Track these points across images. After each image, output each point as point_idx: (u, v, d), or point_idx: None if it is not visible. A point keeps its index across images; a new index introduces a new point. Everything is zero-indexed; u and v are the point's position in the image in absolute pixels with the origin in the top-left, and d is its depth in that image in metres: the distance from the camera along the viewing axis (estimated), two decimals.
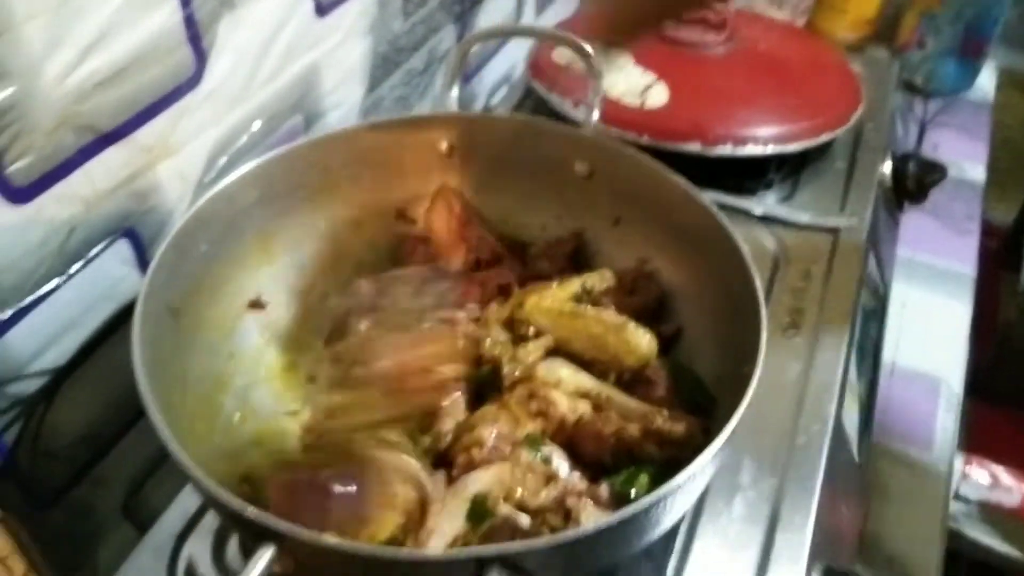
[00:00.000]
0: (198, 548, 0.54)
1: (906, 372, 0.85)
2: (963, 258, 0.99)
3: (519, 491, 0.45)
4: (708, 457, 0.42)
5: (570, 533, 0.38)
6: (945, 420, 0.82)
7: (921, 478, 0.77)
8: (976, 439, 1.08)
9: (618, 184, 0.61)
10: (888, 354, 0.86)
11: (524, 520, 0.44)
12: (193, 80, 0.60)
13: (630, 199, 0.61)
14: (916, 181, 0.87)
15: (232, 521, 0.41)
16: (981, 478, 1.05)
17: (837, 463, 0.61)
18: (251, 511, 0.37)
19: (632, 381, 0.54)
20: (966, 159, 1.13)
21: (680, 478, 0.41)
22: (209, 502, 0.41)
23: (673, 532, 0.54)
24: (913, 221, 1.00)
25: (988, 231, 1.27)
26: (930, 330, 0.90)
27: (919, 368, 0.86)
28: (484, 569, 0.36)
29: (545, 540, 0.38)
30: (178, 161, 0.61)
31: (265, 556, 0.36)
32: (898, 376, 0.85)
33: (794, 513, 0.56)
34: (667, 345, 0.57)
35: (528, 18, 1.09)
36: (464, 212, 0.65)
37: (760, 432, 0.60)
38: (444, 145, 0.65)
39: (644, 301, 0.60)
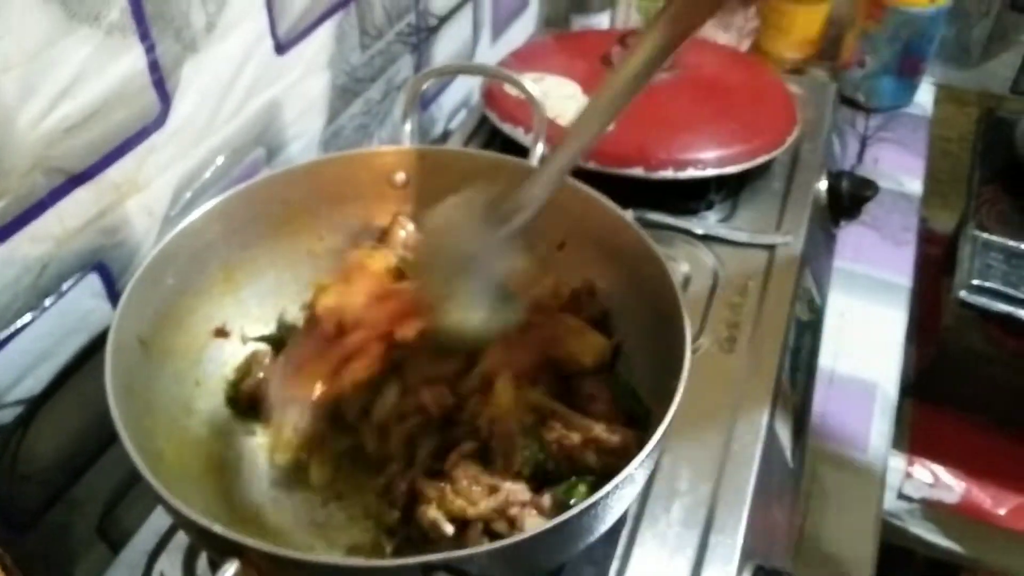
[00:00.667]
0: (169, 565, 0.57)
1: (844, 379, 0.90)
2: (900, 268, 1.04)
3: (458, 501, 0.49)
4: (636, 464, 0.46)
5: (510, 539, 0.42)
6: (880, 423, 0.87)
7: (857, 479, 0.82)
8: (919, 439, 1.14)
9: (562, 211, 0.65)
10: (827, 362, 0.91)
11: (448, 528, 0.49)
12: (159, 121, 0.63)
13: (573, 225, 0.65)
14: (850, 198, 0.92)
15: (199, 537, 0.44)
16: (923, 477, 1.10)
17: (770, 468, 0.65)
18: (216, 528, 0.41)
19: (575, 395, 0.58)
20: (904, 172, 1.19)
21: (611, 485, 0.45)
22: (177, 520, 0.45)
23: (615, 537, 0.58)
24: (852, 233, 1.05)
25: (931, 239, 1.34)
26: (867, 338, 0.95)
27: (856, 375, 0.91)
28: (430, 575, 0.39)
29: (488, 546, 0.42)
30: (145, 197, 0.64)
31: (230, 570, 0.40)
32: (836, 383, 0.90)
33: (727, 516, 0.60)
34: (609, 361, 0.61)
35: (484, 47, 1.14)
36: (418, 237, 0.68)
37: (698, 440, 0.64)
38: (399, 177, 0.69)
39: (589, 316, 0.64)
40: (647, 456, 0.47)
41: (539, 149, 0.66)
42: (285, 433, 0.56)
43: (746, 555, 0.59)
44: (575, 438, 0.54)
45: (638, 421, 0.57)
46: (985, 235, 1.08)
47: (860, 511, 0.80)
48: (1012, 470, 1.08)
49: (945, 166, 1.46)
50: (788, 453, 0.71)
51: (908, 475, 1.10)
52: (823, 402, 0.87)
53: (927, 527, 1.12)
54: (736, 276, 0.78)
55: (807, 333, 0.82)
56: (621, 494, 0.47)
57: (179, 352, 0.59)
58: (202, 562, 0.57)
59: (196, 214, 0.59)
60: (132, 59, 0.59)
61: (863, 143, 1.24)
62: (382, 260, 0.63)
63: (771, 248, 0.81)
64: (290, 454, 0.57)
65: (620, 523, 0.59)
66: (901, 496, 1.11)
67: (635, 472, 0.46)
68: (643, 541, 0.59)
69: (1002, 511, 1.07)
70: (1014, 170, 1.15)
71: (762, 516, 0.63)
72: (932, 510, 1.11)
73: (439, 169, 0.68)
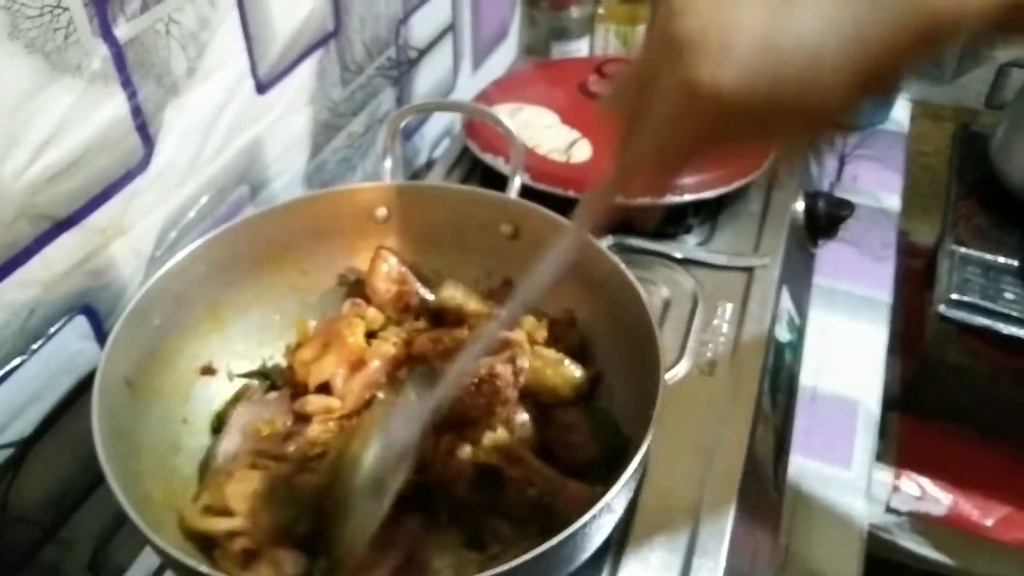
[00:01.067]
0: None
1: (826, 396, 0.91)
2: (880, 284, 1.06)
3: None
4: (615, 492, 0.47)
5: (491, 571, 0.43)
6: (864, 439, 0.89)
7: (841, 496, 0.83)
8: (906, 453, 1.15)
9: (540, 242, 0.66)
10: (809, 380, 0.92)
11: None
12: (142, 164, 0.64)
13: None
14: (827, 218, 0.94)
15: None
16: (911, 490, 1.12)
17: (751, 489, 0.66)
18: (203, 568, 0.42)
19: (554, 425, 0.59)
20: (882, 189, 1.21)
21: (588, 515, 0.46)
22: (166, 561, 0.46)
23: (599, 563, 0.59)
24: (832, 250, 1.07)
25: (913, 252, 1.35)
26: (849, 355, 0.96)
27: (838, 392, 0.92)
28: None
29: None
30: (131, 239, 0.65)
31: None
32: (819, 400, 0.91)
33: (709, 539, 0.61)
34: (588, 391, 0.63)
35: (465, 76, 1.16)
36: (400, 270, 0.70)
37: (680, 464, 0.65)
38: (381, 212, 0.70)
39: (568, 346, 0.65)
40: (625, 484, 0.48)
41: (516, 180, 0.68)
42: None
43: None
44: (533, 492, 0.55)
45: (617, 451, 0.58)
46: (963, 249, 1.09)
47: (845, 528, 0.81)
48: (998, 481, 1.09)
49: (924, 180, 1.49)
50: (770, 473, 0.72)
51: (896, 488, 1.12)
52: (806, 420, 0.88)
53: (916, 540, 1.13)
54: (716, 299, 0.79)
55: (787, 353, 0.83)
56: (600, 523, 0.48)
57: (166, 391, 0.60)
58: None
59: (181, 255, 0.61)
60: (115, 106, 0.60)
61: (841, 161, 1.25)
62: (359, 328, 0.65)
63: (750, 270, 0.83)
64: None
65: (604, 548, 0.60)
66: (889, 510, 1.12)
67: (613, 501, 0.47)
68: (627, 565, 0.60)
69: (989, 522, 1.08)
70: (990, 184, 1.17)
71: (744, 537, 0.64)
72: (920, 523, 1.12)
73: (419, 203, 0.70)
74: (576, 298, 0.66)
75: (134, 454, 0.54)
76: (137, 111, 0.62)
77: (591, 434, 0.58)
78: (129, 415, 0.55)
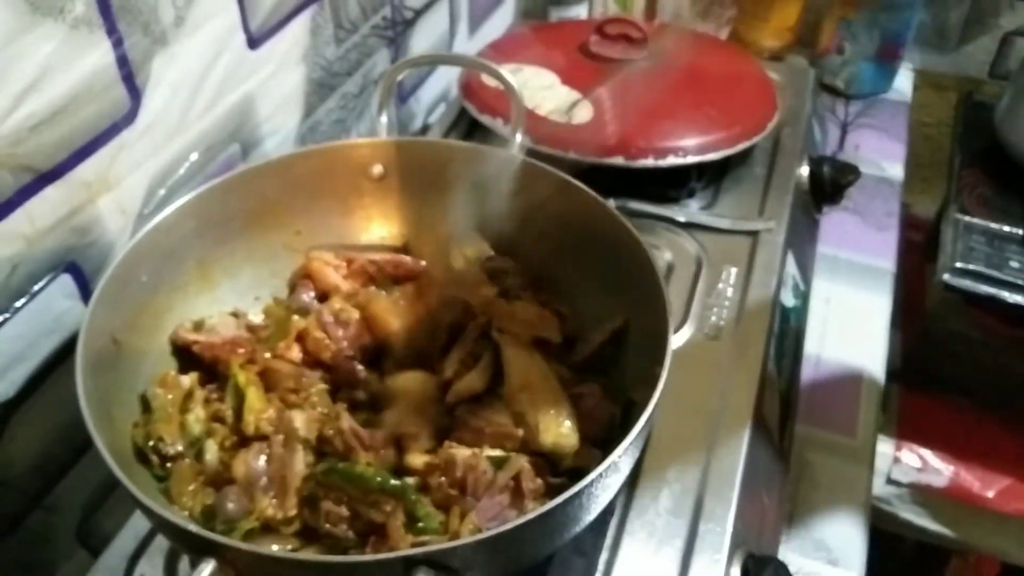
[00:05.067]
0: (150, 568, 0.56)
1: (830, 364, 0.90)
2: (883, 253, 1.04)
3: None
4: (620, 451, 0.45)
5: (495, 530, 0.41)
6: (867, 408, 0.87)
7: (846, 464, 0.82)
8: (906, 424, 1.14)
9: (542, 202, 0.64)
10: (813, 347, 0.90)
11: None
12: (129, 116, 0.62)
13: (553, 215, 0.64)
14: (832, 183, 0.92)
15: (175, 538, 0.43)
16: (911, 461, 1.10)
17: (757, 455, 0.65)
18: (191, 527, 0.40)
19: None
20: (885, 158, 1.19)
21: (595, 473, 0.44)
22: (153, 522, 0.44)
23: (603, 527, 0.58)
24: (835, 219, 1.05)
25: (913, 224, 1.34)
26: (852, 323, 0.95)
27: (842, 359, 0.91)
28: (411, 570, 0.39)
29: (472, 538, 0.41)
30: (117, 195, 0.63)
31: (206, 570, 0.39)
32: (823, 368, 0.90)
33: (716, 504, 0.60)
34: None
35: (461, 39, 1.13)
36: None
37: (685, 429, 0.64)
38: (376, 170, 0.68)
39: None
40: (632, 443, 0.46)
41: (517, 139, 0.66)
42: None
43: (736, 543, 0.58)
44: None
45: (626, 415, 0.56)
46: (967, 218, 1.07)
47: (850, 496, 0.80)
48: (999, 452, 1.08)
49: (925, 151, 1.47)
50: (775, 439, 0.71)
51: (896, 460, 1.10)
52: (810, 388, 0.86)
53: (916, 511, 1.12)
54: (719, 263, 0.78)
55: (792, 319, 0.81)
56: (606, 482, 0.47)
57: (155, 351, 0.58)
58: (184, 564, 0.56)
59: (169, 210, 0.58)
60: (99, 54, 0.58)
61: (843, 130, 1.24)
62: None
63: (754, 234, 0.81)
64: None
65: (608, 513, 0.58)
66: (890, 481, 1.10)
67: (619, 460, 0.46)
68: (632, 531, 0.58)
69: (990, 493, 1.07)
70: (995, 153, 1.15)
71: (751, 503, 0.62)
72: (921, 494, 1.10)
73: (417, 161, 0.68)
74: (578, 258, 0.64)
75: (122, 415, 0.52)
76: (123, 60, 0.60)
77: (604, 398, 0.56)
78: (116, 374, 0.53)
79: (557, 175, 0.63)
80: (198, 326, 0.60)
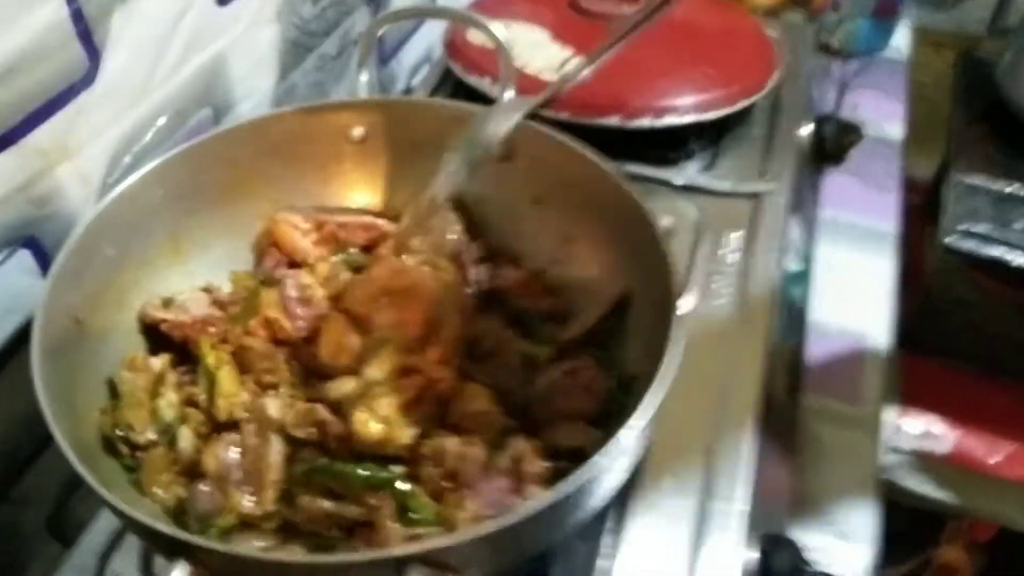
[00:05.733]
0: (124, 564, 0.52)
1: (833, 330, 0.87)
2: (885, 215, 1.01)
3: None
4: (636, 431, 0.42)
5: (494, 524, 0.38)
6: (872, 375, 0.85)
7: (851, 433, 0.79)
8: (908, 390, 1.11)
9: (536, 164, 0.60)
10: (815, 314, 0.87)
11: None
12: (87, 78, 0.58)
13: (549, 178, 0.60)
14: (834, 143, 0.88)
15: (146, 538, 0.39)
16: (913, 428, 1.08)
17: (767, 427, 0.62)
18: (160, 526, 0.36)
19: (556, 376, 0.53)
20: (884, 118, 1.15)
21: (604, 459, 0.41)
22: (121, 520, 0.40)
23: (604, 509, 0.54)
24: (835, 182, 1.02)
25: (911, 187, 1.30)
26: (855, 288, 0.92)
27: (845, 326, 0.88)
28: (405, 569, 0.35)
29: (471, 533, 0.37)
30: (78, 163, 0.59)
31: (177, 572, 0.35)
32: (825, 335, 0.86)
33: (726, 481, 0.56)
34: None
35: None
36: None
37: (689, 403, 0.60)
38: (357, 132, 0.63)
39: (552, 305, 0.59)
40: (648, 422, 0.42)
41: (507, 97, 0.61)
42: None
43: (751, 523, 0.55)
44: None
45: (626, 390, 0.53)
46: (969, 179, 1.04)
47: (857, 467, 0.77)
48: (1003, 418, 1.05)
49: (922, 112, 1.43)
50: (783, 410, 0.68)
51: (898, 427, 1.08)
52: (812, 356, 0.83)
53: (918, 479, 1.09)
54: (720, 228, 0.74)
55: (798, 284, 0.78)
56: (617, 464, 0.43)
57: (121, 331, 0.53)
58: (161, 560, 0.52)
59: (134, 177, 0.54)
60: (51, 8, 0.53)
61: (841, 90, 1.19)
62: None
63: (756, 197, 0.77)
64: None
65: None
66: (891, 449, 1.08)
67: (629, 440, 0.42)
68: (635, 512, 0.55)
69: (994, 459, 1.04)
70: (996, 111, 1.11)
71: (761, 479, 0.59)
72: (923, 461, 1.08)
73: (401, 123, 0.63)
74: (578, 223, 0.60)
75: (87, 402, 0.48)
76: (78, 15, 0.55)
77: (599, 372, 0.53)
78: (79, 357, 0.49)
79: (552, 135, 0.58)
80: (167, 303, 0.56)
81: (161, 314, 0.54)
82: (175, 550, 0.36)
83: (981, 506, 1.09)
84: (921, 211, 1.24)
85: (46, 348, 0.44)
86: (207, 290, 0.58)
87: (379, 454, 0.46)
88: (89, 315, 0.50)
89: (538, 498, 0.39)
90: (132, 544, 0.53)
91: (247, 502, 0.47)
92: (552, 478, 0.47)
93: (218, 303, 0.57)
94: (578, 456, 0.50)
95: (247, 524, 0.47)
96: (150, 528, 0.37)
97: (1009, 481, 1.05)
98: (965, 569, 1.28)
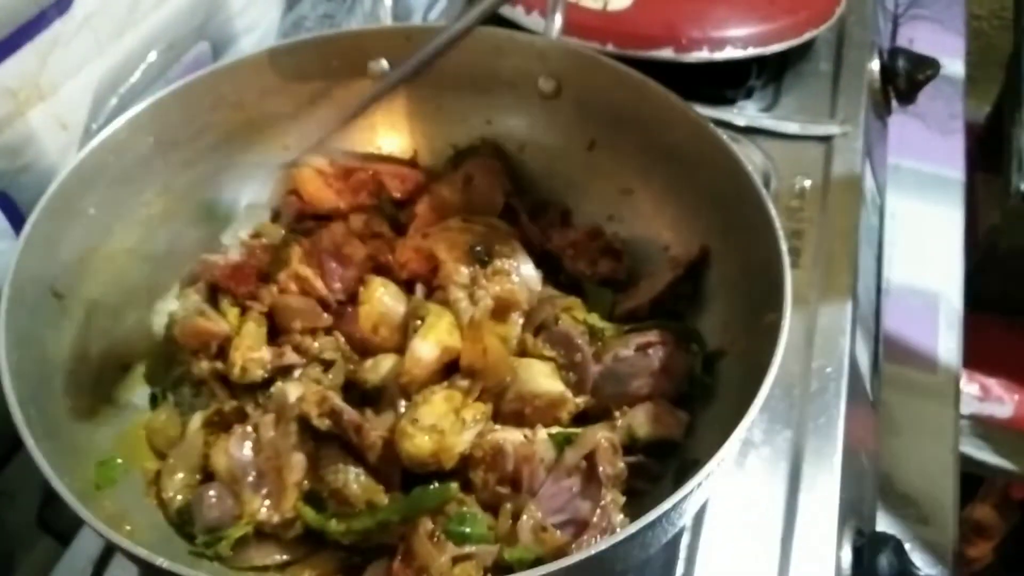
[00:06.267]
0: (123, 573, 0.45)
1: (902, 290, 0.79)
2: (950, 160, 0.92)
3: None
4: (742, 432, 0.34)
5: (575, 556, 0.30)
6: (947, 338, 0.77)
7: (928, 403, 0.72)
8: (966, 350, 1.04)
9: (591, 101, 0.52)
10: (885, 271, 0.79)
11: None
12: (61, 4, 0.49)
13: (606, 118, 0.52)
14: (907, 79, 0.79)
15: (139, 567, 0.32)
16: (972, 391, 1.01)
17: (854, 406, 0.54)
18: (142, 553, 0.28)
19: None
20: (943, 53, 1.04)
21: (703, 474, 0.33)
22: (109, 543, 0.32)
23: None
24: (896, 123, 0.92)
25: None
26: (923, 241, 0.83)
27: (915, 284, 0.79)
28: None
29: (549, 567, 0.30)
30: (54, 105, 0.51)
31: None
32: (894, 295, 0.78)
33: (817, 470, 0.49)
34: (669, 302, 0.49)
35: None
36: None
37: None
38: (380, 65, 0.54)
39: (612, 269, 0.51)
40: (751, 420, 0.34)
41: (557, 19, 0.52)
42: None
43: (844, 517, 0.47)
44: None
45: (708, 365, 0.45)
46: None
47: (935, 441, 0.69)
48: None
49: (974, 47, 1.33)
50: (868, 385, 0.60)
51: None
52: (886, 319, 0.75)
53: (976, 444, 1.03)
54: (790, 175, 0.66)
55: (873, 239, 0.70)
56: (715, 473, 0.35)
57: (111, 305, 0.45)
58: None
59: (119, 122, 0.46)
60: None
61: (894, 22, 1.10)
62: None
63: (827, 140, 0.68)
64: None
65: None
66: None
67: (735, 448, 0.34)
68: (715, 502, 0.47)
69: None
70: None
71: (852, 468, 0.52)
72: (981, 426, 1.01)
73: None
74: (641, 173, 0.52)
75: (66, 391, 0.40)
76: None
77: (678, 348, 0.45)
78: (59, 335, 0.41)
79: (609, 63, 0.50)
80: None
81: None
82: None
83: None
84: (972, 157, 1.15)
85: (17, 328, 0.36)
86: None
87: (426, 470, 0.38)
88: (71, 286, 0.42)
89: (625, 524, 0.31)
90: None
91: (264, 508, 0.39)
92: (631, 476, 0.39)
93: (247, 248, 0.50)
94: (659, 449, 0.42)
95: (263, 534, 0.39)
96: (131, 554, 0.29)
97: None
98: (997, 528, 1.22)
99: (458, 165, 0.53)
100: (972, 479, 1.11)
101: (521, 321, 0.44)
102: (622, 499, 0.38)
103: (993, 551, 1.22)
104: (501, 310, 0.43)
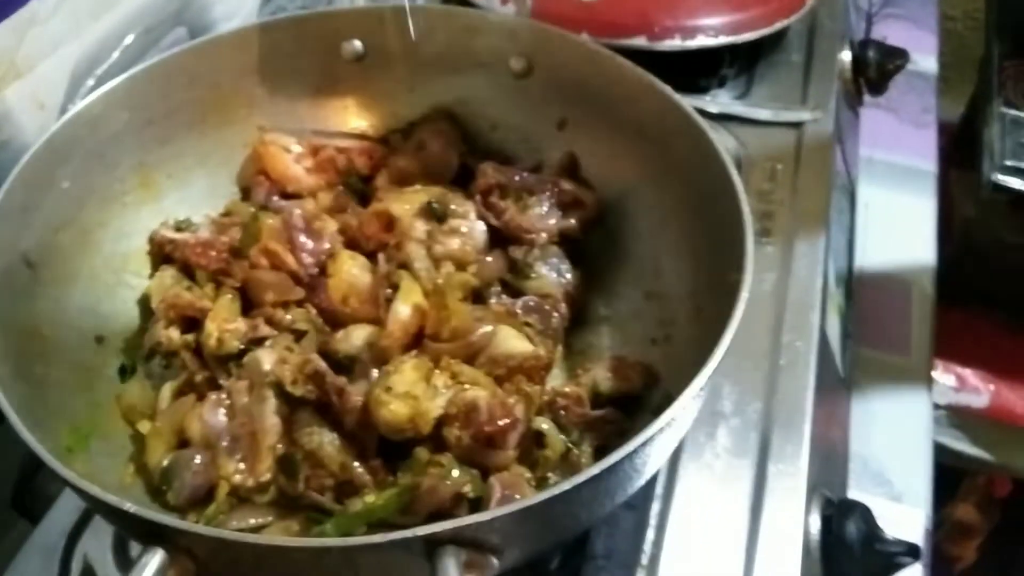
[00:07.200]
0: (95, 546, 0.45)
1: (875, 276, 0.80)
2: (923, 153, 0.94)
3: None
4: (697, 388, 0.35)
5: (532, 498, 0.31)
6: (920, 324, 0.78)
7: (902, 385, 0.73)
8: (942, 341, 1.04)
9: (562, 80, 0.53)
10: (856, 258, 0.80)
11: None
12: None
13: (576, 97, 0.53)
14: (878, 69, 0.81)
15: (116, 521, 0.32)
16: (947, 381, 1.02)
17: (824, 380, 0.55)
18: (130, 507, 0.29)
19: None
20: (916, 49, 1.06)
21: (662, 421, 0.33)
22: (85, 501, 0.32)
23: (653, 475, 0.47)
24: (869, 117, 0.94)
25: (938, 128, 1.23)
26: (896, 230, 0.84)
27: (888, 271, 0.81)
28: (435, 551, 0.28)
29: (509, 507, 0.30)
30: (31, 84, 0.52)
31: (153, 562, 0.28)
32: (867, 281, 0.79)
33: (786, 440, 0.49)
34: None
35: None
36: None
37: (738, 352, 0.52)
38: (354, 46, 0.55)
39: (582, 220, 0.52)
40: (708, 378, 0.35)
41: (528, 2, 0.53)
42: None
43: (811, 485, 0.48)
44: None
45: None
46: (1013, 111, 0.97)
47: (909, 422, 0.70)
48: None
49: (948, 47, 1.35)
50: (839, 361, 0.61)
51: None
52: (859, 303, 0.76)
53: (952, 435, 1.03)
54: (762, 159, 0.67)
55: (844, 223, 0.71)
56: (674, 425, 0.36)
57: (84, 277, 0.46)
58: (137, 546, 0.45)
59: (93, 96, 0.46)
60: None
61: (868, 20, 1.11)
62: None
63: (798, 126, 0.70)
64: None
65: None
66: None
67: (690, 404, 0.35)
68: (686, 476, 0.48)
69: None
70: None
71: (822, 438, 0.52)
72: (958, 416, 1.02)
73: (403, 35, 0.55)
74: (612, 149, 0.52)
75: (40, 360, 0.40)
76: None
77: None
78: (32, 307, 0.41)
79: (578, 41, 0.51)
80: (183, 226, 0.50)
81: (171, 235, 0.48)
82: (150, 535, 0.29)
83: (1020, 464, 1.03)
84: (946, 154, 1.16)
85: None
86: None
87: (402, 437, 0.39)
88: (44, 258, 0.43)
89: (586, 469, 0.31)
90: (104, 523, 0.46)
91: (238, 472, 0.39)
92: (601, 431, 0.40)
93: (216, 224, 0.50)
94: (624, 402, 0.43)
95: (238, 498, 0.39)
96: (116, 508, 0.29)
97: None
98: (979, 527, 1.23)
99: (410, 135, 0.54)
100: (953, 475, 1.12)
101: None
102: (589, 449, 0.38)
103: (976, 550, 1.23)
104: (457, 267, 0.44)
